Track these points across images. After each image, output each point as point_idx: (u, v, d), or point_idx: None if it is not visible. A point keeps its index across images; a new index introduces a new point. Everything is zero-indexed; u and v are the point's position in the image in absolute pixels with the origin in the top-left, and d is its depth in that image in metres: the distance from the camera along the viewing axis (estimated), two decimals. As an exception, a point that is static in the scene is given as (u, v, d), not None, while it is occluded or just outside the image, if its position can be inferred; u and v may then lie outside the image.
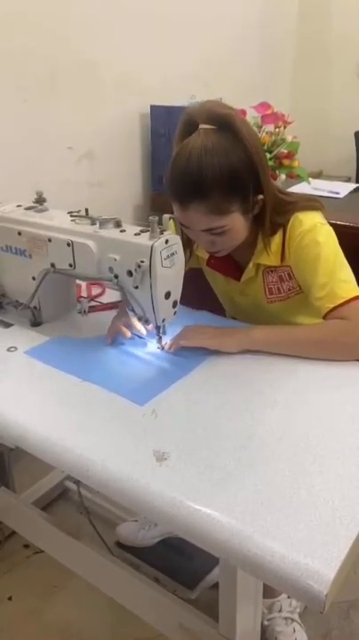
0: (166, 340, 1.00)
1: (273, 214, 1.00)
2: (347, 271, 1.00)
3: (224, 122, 0.91)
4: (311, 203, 1.04)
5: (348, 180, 2.82)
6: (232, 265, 1.13)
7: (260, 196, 0.97)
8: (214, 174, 0.89)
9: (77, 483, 1.28)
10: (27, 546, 1.55)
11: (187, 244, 1.09)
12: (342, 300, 0.96)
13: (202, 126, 0.91)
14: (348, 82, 3.11)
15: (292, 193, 1.09)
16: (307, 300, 1.05)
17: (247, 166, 0.92)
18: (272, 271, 1.08)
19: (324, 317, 0.99)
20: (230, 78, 2.57)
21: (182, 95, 2.10)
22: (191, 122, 0.93)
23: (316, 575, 0.56)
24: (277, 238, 1.04)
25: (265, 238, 1.03)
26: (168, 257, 0.91)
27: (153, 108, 2.11)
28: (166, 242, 0.90)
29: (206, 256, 1.14)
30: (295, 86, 3.22)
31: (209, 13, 2.39)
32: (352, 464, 0.71)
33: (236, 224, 0.96)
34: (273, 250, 1.04)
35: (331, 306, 0.97)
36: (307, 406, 0.84)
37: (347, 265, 1.01)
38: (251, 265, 1.08)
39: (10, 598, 1.43)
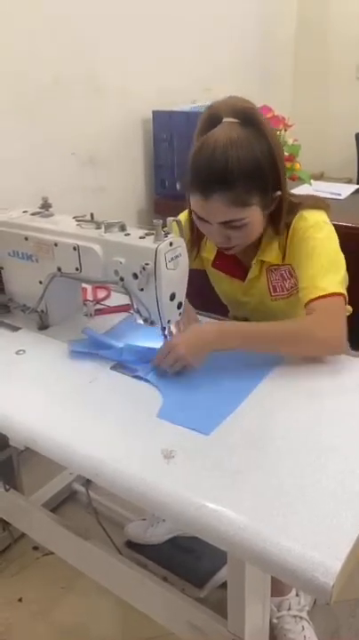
0: None
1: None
2: (338, 272, 0.99)
3: (248, 116, 0.93)
4: (317, 202, 1.06)
5: (350, 181, 2.84)
6: (237, 265, 1.14)
7: (278, 193, 0.99)
8: (240, 166, 0.90)
9: (86, 484, 1.29)
10: (36, 548, 1.56)
11: (196, 242, 1.11)
12: (322, 293, 0.95)
13: (226, 119, 0.93)
14: (349, 84, 3.12)
15: (299, 195, 1.11)
16: None
17: (269, 161, 0.94)
18: (275, 269, 1.10)
19: (304, 307, 0.98)
20: (231, 82, 2.59)
21: (183, 100, 2.13)
22: (215, 116, 0.95)
23: (322, 567, 0.58)
24: (281, 237, 1.05)
25: (271, 236, 1.04)
26: (172, 259, 0.92)
27: (155, 113, 2.13)
28: (170, 244, 0.91)
29: (211, 257, 1.16)
30: (296, 89, 3.24)
31: (209, 18, 2.41)
32: (355, 460, 0.73)
33: (254, 218, 0.97)
34: (276, 248, 1.06)
35: (311, 297, 0.96)
36: (310, 405, 0.86)
37: (342, 268, 1.00)
38: (254, 263, 1.09)
39: (20, 600, 1.44)
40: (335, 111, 3.18)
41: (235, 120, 0.93)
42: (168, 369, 0.93)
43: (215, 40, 2.48)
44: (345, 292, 0.98)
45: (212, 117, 0.95)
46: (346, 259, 1.08)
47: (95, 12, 1.89)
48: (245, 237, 1.01)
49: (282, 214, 1.02)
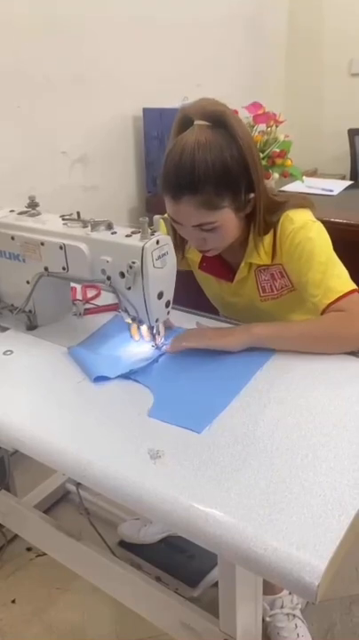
0: (162, 340, 1.01)
1: (264, 213, 1.01)
2: (339, 266, 1.00)
3: (218, 119, 0.92)
4: (301, 201, 1.05)
5: (343, 177, 2.83)
6: (224, 266, 1.14)
7: (252, 195, 0.98)
8: (206, 169, 0.90)
9: (77, 485, 1.29)
10: (29, 549, 1.55)
11: (180, 245, 1.10)
12: (338, 295, 0.97)
13: (196, 122, 0.93)
14: (341, 80, 3.11)
15: (283, 193, 1.10)
16: (300, 297, 1.06)
17: (239, 163, 0.93)
18: (264, 270, 1.09)
19: (322, 313, 0.99)
20: (223, 79, 2.58)
21: (174, 97, 2.11)
22: (186, 119, 0.94)
23: (308, 567, 0.57)
24: (268, 237, 1.04)
25: (256, 237, 1.03)
26: (159, 257, 0.91)
27: (145, 110, 2.12)
28: (157, 242, 0.91)
29: (198, 259, 1.15)
30: (288, 85, 3.23)
31: (200, 15, 2.40)
32: (343, 457, 0.72)
33: (227, 221, 0.97)
34: (264, 249, 1.05)
35: (328, 301, 0.97)
36: (300, 402, 0.85)
37: (339, 260, 1.01)
38: (243, 264, 1.09)
39: (13, 601, 1.43)
40: (328, 107, 3.17)
41: (206, 123, 0.92)
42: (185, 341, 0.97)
43: (206, 36, 2.47)
44: (355, 285, 0.99)
45: (184, 120, 0.95)
46: (339, 255, 1.08)
47: (86, 10, 1.88)
48: (221, 239, 1.01)
49: (259, 215, 1.01)
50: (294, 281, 1.06)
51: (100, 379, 0.93)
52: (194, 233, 0.99)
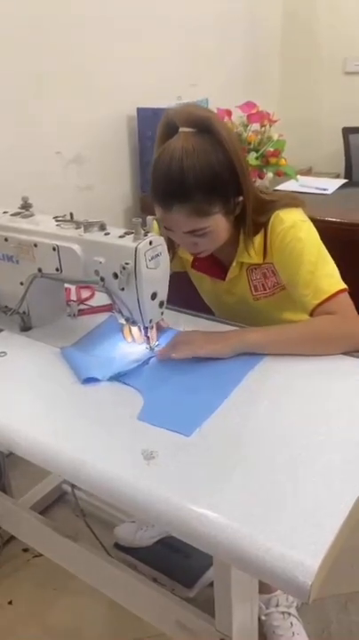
0: (158, 342, 1.00)
1: (254, 214, 1.01)
2: (329, 265, 1.00)
3: (203, 124, 0.92)
4: (292, 200, 1.05)
5: (337, 176, 2.83)
6: (216, 265, 1.14)
7: (240, 198, 0.98)
8: (196, 177, 0.90)
9: (72, 486, 1.28)
10: (26, 550, 1.55)
11: (170, 246, 1.11)
12: (327, 295, 0.97)
13: (182, 129, 0.93)
14: (336, 78, 3.12)
15: (274, 192, 1.10)
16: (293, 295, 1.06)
17: (227, 168, 0.93)
18: (255, 268, 1.09)
19: (311, 313, 0.99)
20: (217, 78, 2.58)
21: (169, 97, 2.11)
22: (171, 125, 0.94)
23: (301, 566, 0.57)
24: (259, 237, 1.05)
25: (246, 238, 1.03)
26: (153, 258, 0.91)
27: (139, 110, 2.12)
28: (150, 243, 0.91)
29: (191, 258, 1.15)
30: (283, 84, 3.23)
31: (194, 14, 2.40)
32: (336, 456, 0.72)
33: (218, 225, 0.97)
34: (255, 248, 1.05)
35: (317, 302, 0.98)
36: (293, 401, 0.85)
37: (330, 259, 1.01)
38: (234, 264, 1.09)
39: (10, 602, 1.43)
40: (322, 106, 3.18)
41: (191, 129, 0.92)
42: (174, 350, 0.94)
43: (200, 36, 2.47)
44: (345, 285, 0.99)
45: (169, 127, 0.94)
46: (332, 254, 1.08)
47: (81, 10, 1.87)
48: (212, 242, 1.01)
49: (248, 217, 1.01)
50: (284, 280, 1.06)
51: (90, 380, 0.93)
52: (185, 238, 0.99)
